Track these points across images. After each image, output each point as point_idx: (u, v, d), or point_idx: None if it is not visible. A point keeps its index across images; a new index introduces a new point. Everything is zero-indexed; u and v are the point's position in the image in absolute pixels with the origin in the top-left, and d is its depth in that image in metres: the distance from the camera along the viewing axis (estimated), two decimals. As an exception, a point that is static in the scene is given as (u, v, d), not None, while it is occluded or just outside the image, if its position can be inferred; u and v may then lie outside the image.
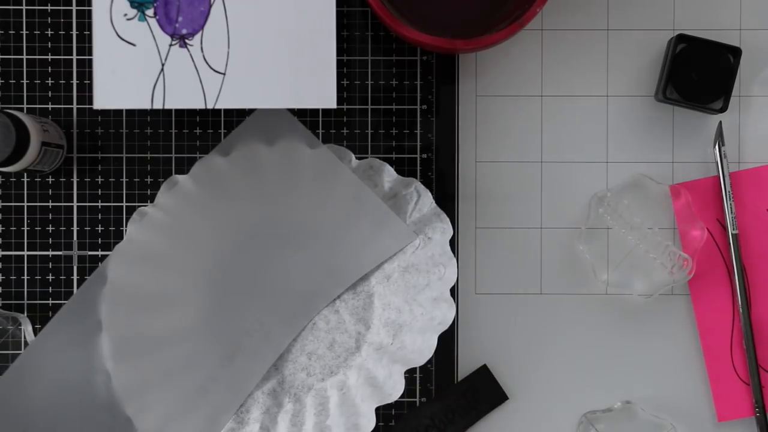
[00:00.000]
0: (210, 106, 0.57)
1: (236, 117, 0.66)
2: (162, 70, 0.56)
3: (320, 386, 0.63)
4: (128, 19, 0.56)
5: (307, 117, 0.66)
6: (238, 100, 0.57)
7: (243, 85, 0.57)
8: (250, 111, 0.65)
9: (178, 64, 0.56)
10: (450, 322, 0.58)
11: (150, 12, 0.56)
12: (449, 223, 0.59)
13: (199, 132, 0.66)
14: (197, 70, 0.56)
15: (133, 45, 0.56)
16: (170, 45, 0.56)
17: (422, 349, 0.59)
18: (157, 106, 0.56)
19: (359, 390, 0.60)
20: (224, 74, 0.56)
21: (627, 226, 0.65)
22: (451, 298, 0.59)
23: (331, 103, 0.57)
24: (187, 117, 0.66)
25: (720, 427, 0.66)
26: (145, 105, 0.57)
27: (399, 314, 0.62)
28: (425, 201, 0.59)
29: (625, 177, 0.66)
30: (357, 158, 0.58)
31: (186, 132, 0.67)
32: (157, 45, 0.56)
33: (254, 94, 0.57)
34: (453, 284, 0.59)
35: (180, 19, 0.56)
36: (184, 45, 0.56)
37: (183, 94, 0.57)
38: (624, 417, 0.65)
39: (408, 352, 0.59)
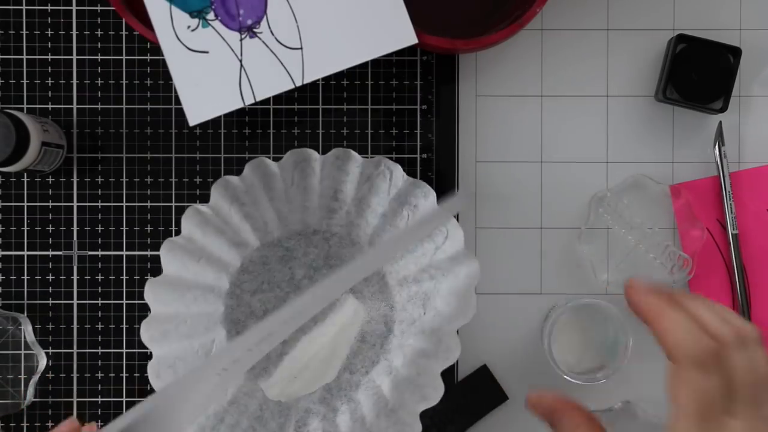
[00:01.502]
0: (299, 84, 0.56)
1: (236, 117, 0.66)
2: (241, 65, 0.56)
3: (367, 379, 0.63)
4: (192, 30, 0.56)
5: (306, 117, 0.66)
6: (323, 68, 0.56)
7: (323, 53, 0.56)
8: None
9: (254, 54, 0.56)
10: (478, 272, 0.58)
11: (210, 15, 0.56)
12: (428, 186, 0.59)
13: (199, 132, 0.66)
14: (275, 54, 0.56)
15: (206, 52, 0.56)
16: (241, 39, 0.56)
17: (463, 309, 0.58)
18: (249, 101, 0.56)
19: (412, 366, 0.60)
20: (301, 48, 0.56)
21: (627, 226, 0.65)
22: (469, 251, 0.58)
23: (411, 39, 0.56)
24: (185, 116, 0.66)
25: (720, 427, 0.66)
26: (237, 105, 0.56)
27: (419, 285, 0.62)
28: (398, 175, 0.59)
29: (625, 177, 0.66)
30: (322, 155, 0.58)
31: (186, 132, 0.67)
32: (228, 44, 0.56)
33: (336, 57, 0.56)
34: (463, 238, 0.59)
35: (241, 11, 0.56)
36: (254, 35, 0.56)
37: (269, 82, 0.56)
38: (624, 417, 0.65)
39: (448, 315, 0.60)
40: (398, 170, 0.59)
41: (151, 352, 0.65)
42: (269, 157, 0.66)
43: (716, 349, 0.40)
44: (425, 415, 0.65)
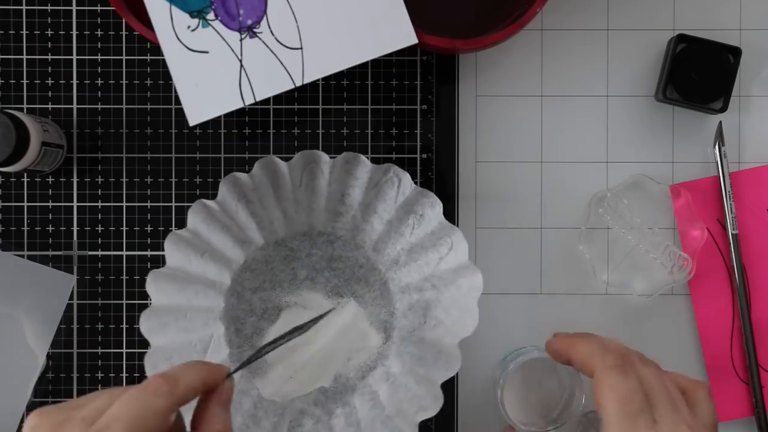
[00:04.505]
0: (299, 84, 0.56)
1: (236, 117, 0.66)
2: (241, 65, 0.56)
3: (363, 384, 0.63)
4: (192, 30, 0.56)
5: (306, 117, 0.66)
6: (323, 68, 0.56)
7: (323, 53, 0.56)
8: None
9: (254, 55, 0.56)
10: (480, 285, 0.58)
11: (210, 16, 0.56)
12: (435, 196, 0.59)
13: (199, 132, 0.66)
14: (275, 54, 0.56)
15: (206, 53, 0.56)
16: (241, 39, 0.56)
17: (464, 320, 0.58)
18: (249, 101, 0.56)
19: (410, 374, 0.60)
20: (301, 48, 0.56)
21: (627, 226, 0.65)
22: (473, 264, 0.58)
23: (412, 39, 0.56)
24: (185, 116, 0.66)
25: (720, 427, 0.66)
26: (237, 105, 0.56)
27: (421, 293, 0.62)
28: (406, 183, 0.59)
29: (625, 177, 0.66)
30: (331, 157, 0.58)
31: (186, 132, 0.67)
32: (228, 44, 0.56)
33: (336, 57, 0.56)
34: (467, 251, 0.58)
35: (241, 11, 0.56)
36: (254, 35, 0.56)
37: (269, 82, 0.56)
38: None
39: (449, 326, 0.59)
40: (407, 178, 0.59)
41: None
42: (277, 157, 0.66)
43: (625, 356, 0.45)
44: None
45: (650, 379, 0.45)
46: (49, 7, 0.66)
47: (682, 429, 0.42)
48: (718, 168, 0.65)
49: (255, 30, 0.56)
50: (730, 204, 0.65)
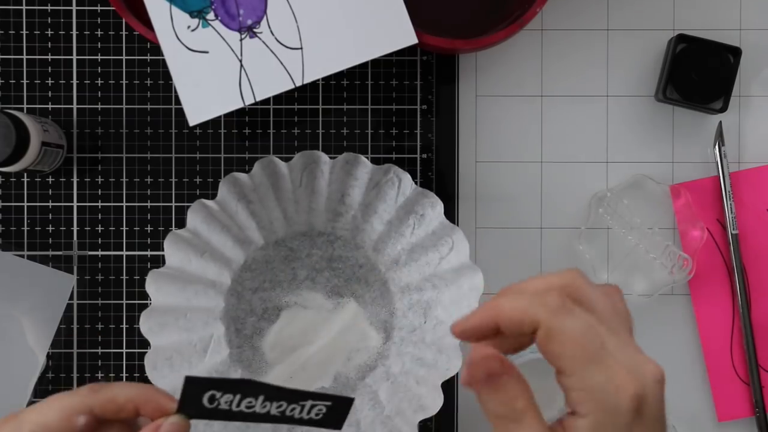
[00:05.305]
0: (299, 84, 0.56)
1: (236, 117, 0.66)
2: (241, 65, 0.56)
3: (363, 384, 0.63)
4: (192, 30, 0.56)
5: (306, 117, 0.66)
6: (323, 68, 0.56)
7: (323, 53, 0.56)
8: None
9: (254, 54, 0.56)
10: (481, 285, 0.57)
11: (210, 15, 0.56)
12: (436, 197, 0.58)
13: (199, 132, 0.67)
14: (275, 54, 0.56)
15: (206, 53, 0.56)
16: (241, 39, 0.56)
17: None
18: (249, 101, 0.56)
19: (410, 374, 0.60)
20: (301, 48, 0.56)
21: (627, 226, 0.65)
22: (474, 264, 0.58)
23: (412, 39, 0.56)
24: (185, 116, 0.66)
25: (720, 427, 0.66)
26: (237, 105, 0.56)
27: (421, 293, 0.62)
28: (406, 183, 0.59)
29: (625, 177, 0.66)
30: (331, 157, 0.58)
31: (186, 132, 0.67)
32: (228, 44, 0.56)
33: (336, 57, 0.56)
34: (468, 251, 0.58)
35: (241, 11, 0.56)
36: (254, 35, 0.56)
37: (269, 82, 0.56)
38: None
39: (449, 326, 0.59)
40: (407, 178, 0.59)
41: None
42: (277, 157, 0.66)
43: (563, 288, 0.38)
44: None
45: (602, 304, 0.40)
46: (49, 7, 0.66)
47: (630, 348, 0.39)
48: (718, 168, 0.65)
49: (255, 30, 0.56)
50: (730, 204, 0.65)
